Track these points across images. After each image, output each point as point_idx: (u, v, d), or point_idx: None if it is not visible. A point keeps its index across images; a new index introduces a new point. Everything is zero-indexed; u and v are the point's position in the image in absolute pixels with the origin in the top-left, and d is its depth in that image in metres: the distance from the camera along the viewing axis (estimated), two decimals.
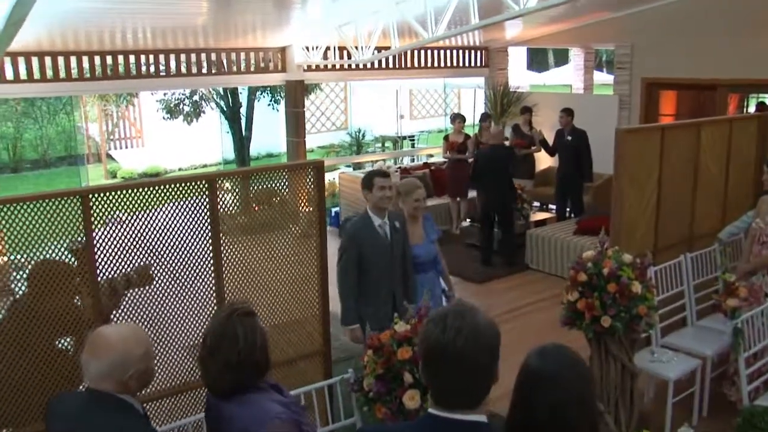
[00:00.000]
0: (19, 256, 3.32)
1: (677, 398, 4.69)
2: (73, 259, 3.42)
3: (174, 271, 3.73)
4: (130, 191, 3.53)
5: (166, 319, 3.74)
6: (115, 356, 2.21)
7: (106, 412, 2.21)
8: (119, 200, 3.49)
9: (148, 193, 3.57)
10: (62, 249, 3.37)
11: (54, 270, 3.34)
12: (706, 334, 5.15)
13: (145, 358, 2.29)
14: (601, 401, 4.15)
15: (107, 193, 3.46)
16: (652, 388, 5.09)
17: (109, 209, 3.46)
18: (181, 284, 3.76)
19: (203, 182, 3.76)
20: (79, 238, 3.39)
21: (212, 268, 3.84)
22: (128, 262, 3.56)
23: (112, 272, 3.51)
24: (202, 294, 3.84)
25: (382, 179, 4.44)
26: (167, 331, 3.75)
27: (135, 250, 3.57)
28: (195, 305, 3.82)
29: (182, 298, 3.78)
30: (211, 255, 3.82)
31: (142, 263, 3.62)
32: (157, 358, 3.62)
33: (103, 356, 2.21)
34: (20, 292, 3.39)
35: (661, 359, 4.77)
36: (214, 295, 3.86)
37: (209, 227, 3.79)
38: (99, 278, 3.47)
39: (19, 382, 3.30)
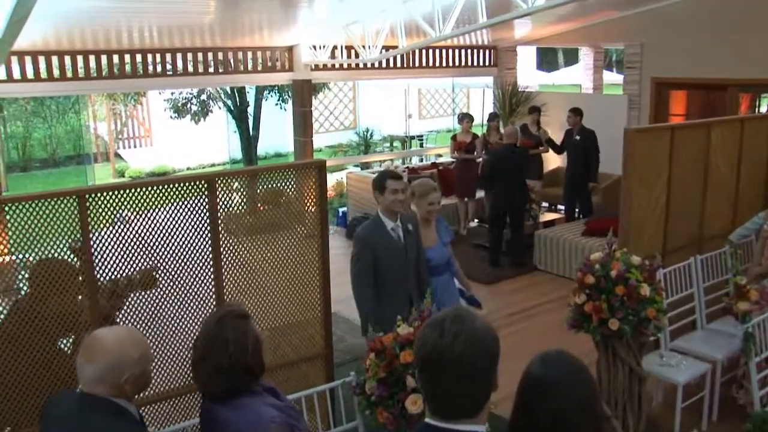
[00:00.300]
0: (18, 256, 3.29)
1: (686, 403, 4.62)
2: (75, 259, 3.39)
3: (173, 273, 3.69)
4: (127, 191, 3.49)
5: (163, 320, 3.69)
6: (110, 359, 2.16)
7: (100, 417, 2.16)
8: (117, 200, 3.45)
9: (146, 193, 3.53)
10: (63, 248, 3.34)
11: (55, 269, 3.30)
12: (716, 338, 5.08)
13: (141, 362, 2.24)
14: (609, 405, 4.10)
15: (104, 194, 3.42)
16: (661, 393, 5.02)
17: (106, 209, 3.42)
18: (180, 286, 3.72)
19: (202, 182, 3.72)
20: (79, 238, 3.36)
21: (212, 270, 3.79)
22: (127, 264, 3.52)
23: (111, 273, 3.47)
24: (201, 296, 3.80)
25: (394, 182, 4.28)
26: (165, 333, 3.71)
27: (133, 252, 3.53)
28: (194, 307, 3.78)
29: (181, 299, 3.73)
30: (210, 256, 3.77)
31: (145, 266, 3.58)
32: (155, 360, 3.59)
33: (99, 359, 2.17)
34: (22, 292, 3.37)
35: (670, 363, 4.70)
36: (213, 297, 3.82)
37: (209, 228, 3.75)
38: (98, 279, 3.43)
39: (22, 382, 3.28)
